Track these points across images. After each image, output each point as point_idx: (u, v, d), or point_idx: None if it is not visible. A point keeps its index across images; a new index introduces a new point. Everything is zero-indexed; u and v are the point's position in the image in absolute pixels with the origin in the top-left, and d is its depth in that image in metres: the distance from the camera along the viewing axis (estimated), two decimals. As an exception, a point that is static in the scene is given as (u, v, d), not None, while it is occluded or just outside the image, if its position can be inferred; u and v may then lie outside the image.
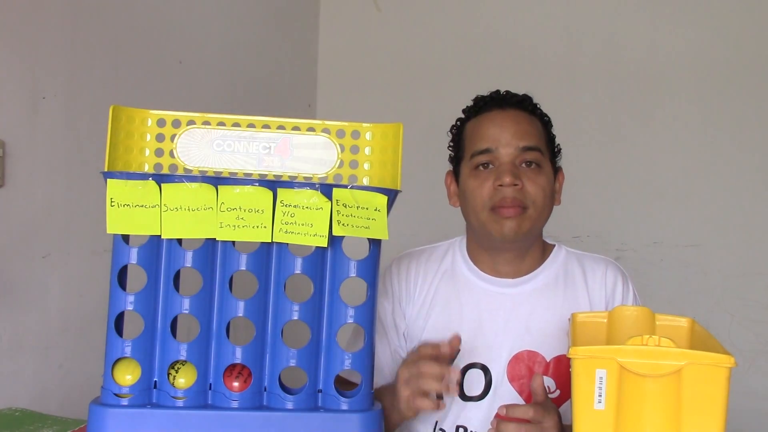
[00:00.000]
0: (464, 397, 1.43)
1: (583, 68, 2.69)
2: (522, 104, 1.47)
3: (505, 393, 1.42)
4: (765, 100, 2.55)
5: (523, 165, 1.42)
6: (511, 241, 1.42)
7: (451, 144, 1.53)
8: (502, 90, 1.51)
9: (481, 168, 1.43)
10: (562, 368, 1.42)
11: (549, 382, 1.42)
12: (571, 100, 2.66)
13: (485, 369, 1.43)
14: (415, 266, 1.53)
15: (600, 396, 0.97)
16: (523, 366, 1.43)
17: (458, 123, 1.53)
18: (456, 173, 1.51)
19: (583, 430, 0.98)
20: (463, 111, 1.52)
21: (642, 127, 2.65)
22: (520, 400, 1.41)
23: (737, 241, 2.56)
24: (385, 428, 1.16)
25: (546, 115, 1.50)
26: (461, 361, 1.45)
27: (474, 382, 1.44)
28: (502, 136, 1.42)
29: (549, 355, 1.43)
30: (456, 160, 1.51)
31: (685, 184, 2.62)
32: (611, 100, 2.67)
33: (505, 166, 1.40)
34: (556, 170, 1.49)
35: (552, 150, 1.49)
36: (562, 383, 1.41)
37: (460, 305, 1.48)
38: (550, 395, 1.39)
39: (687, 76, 2.61)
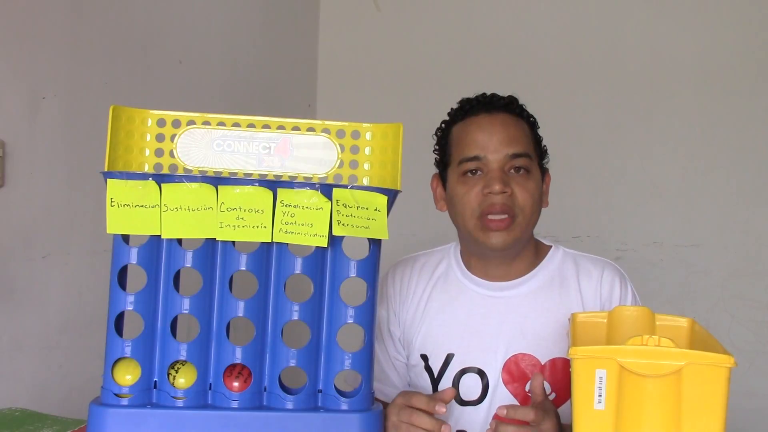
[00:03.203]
0: (462, 402, 1.43)
1: (583, 68, 2.70)
2: (509, 107, 1.45)
3: (502, 396, 1.42)
4: (765, 100, 2.56)
5: (512, 171, 1.40)
6: (500, 251, 1.42)
7: (437, 147, 1.51)
8: (505, 95, 1.48)
9: (469, 174, 1.41)
10: (557, 371, 1.41)
11: (545, 385, 1.41)
12: (572, 100, 2.66)
13: (481, 373, 1.43)
14: (410, 273, 1.53)
15: (600, 396, 0.97)
16: (519, 369, 1.42)
17: (443, 126, 1.50)
18: (443, 177, 1.49)
19: (583, 430, 0.98)
20: (449, 114, 1.50)
21: (642, 126, 2.65)
22: (516, 403, 1.41)
23: (737, 241, 2.56)
24: None
25: (532, 116, 1.48)
26: (456, 366, 1.45)
27: (471, 387, 1.43)
28: (491, 143, 1.40)
29: (544, 358, 1.42)
30: (442, 164, 1.49)
31: (685, 184, 2.62)
32: (611, 100, 2.68)
33: (494, 173, 1.39)
34: (543, 172, 1.47)
35: (539, 152, 1.47)
36: (557, 387, 1.41)
37: (454, 310, 1.48)
38: None
39: (687, 76, 2.62)
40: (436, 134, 1.52)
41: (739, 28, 2.59)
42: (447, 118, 1.51)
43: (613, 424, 0.98)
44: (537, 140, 1.48)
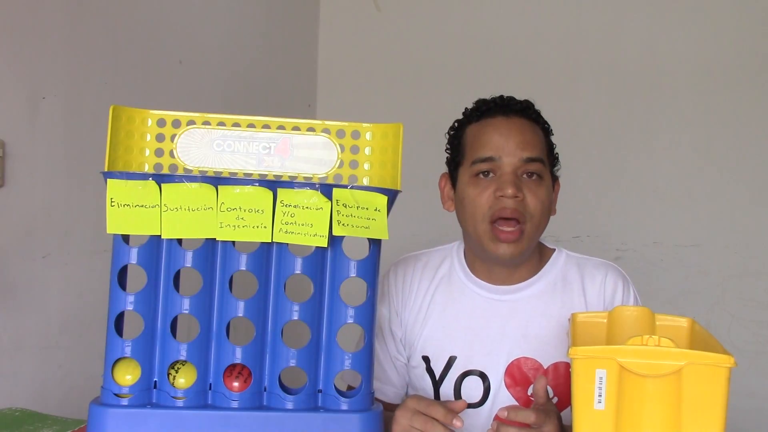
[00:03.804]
0: None
1: (583, 68, 2.70)
2: (526, 112, 1.44)
3: (503, 400, 1.41)
4: (765, 100, 2.55)
5: (525, 176, 1.39)
6: (508, 262, 1.42)
7: (448, 146, 1.50)
8: (506, 94, 1.47)
9: (481, 176, 1.40)
10: (560, 376, 1.41)
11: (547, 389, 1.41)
12: (572, 100, 2.66)
13: (483, 376, 1.43)
14: (412, 272, 1.52)
15: (600, 396, 0.97)
16: (521, 373, 1.42)
17: (457, 125, 1.49)
18: (453, 177, 1.48)
19: (583, 430, 0.98)
20: (464, 114, 1.49)
21: (642, 127, 2.65)
22: (517, 405, 1.41)
23: (737, 241, 2.56)
24: None
25: (547, 123, 1.48)
26: (459, 368, 1.44)
27: (472, 389, 1.43)
28: (507, 145, 1.39)
29: (546, 362, 1.42)
30: (454, 163, 1.47)
31: (685, 184, 2.62)
32: (612, 100, 2.68)
33: (507, 177, 1.38)
34: (554, 179, 1.47)
35: (551, 159, 1.47)
36: (559, 391, 1.40)
37: (456, 312, 1.47)
38: None
39: (687, 77, 2.62)
40: (448, 133, 1.51)
41: (740, 28, 2.59)
42: (460, 117, 1.50)
43: (613, 424, 0.98)
44: (550, 147, 1.47)
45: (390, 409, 1.27)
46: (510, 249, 1.38)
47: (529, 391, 1.41)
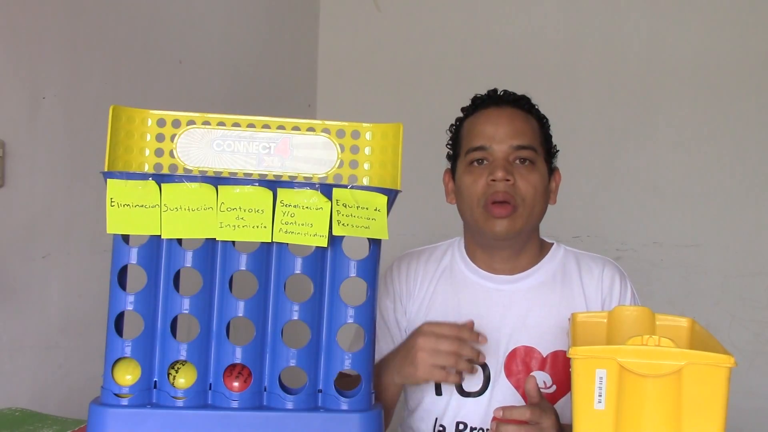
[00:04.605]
0: (463, 393, 1.45)
1: (583, 68, 2.70)
2: (518, 103, 1.49)
3: (503, 388, 1.44)
4: (765, 100, 2.55)
5: (517, 162, 1.44)
6: (504, 239, 1.44)
7: (450, 142, 1.55)
8: (500, 89, 1.52)
9: (475, 164, 1.45)
10: (558, 364, 1.43)
11: (545, 377, 1.43)
12: (572, 100, 2.66)
13: (483, 365, 1.45)
14: (415, 265, 1.56)
15: (600, 396, 0.97)
16: (520, 362, 1.44)
17: (457, 122, 1.55)
18: (453, 171, 1.53)
19: (583, 430, 0.98)
20: (462, 110, 1.54)
21: (642, 126, 2.65)
22: (517, 396, 1.43)
23: (737, 241, 2.56)
24: (379, 392, 1.21)
25: (544, 116, 1.51)
26: None
27: (473, 378, 1.45)
28: (497, 134, 1.44)
29: (545, 350, 1.44)
30: (453, 157, 1.53)
31: (685, 184, 2.62)
32: (611, 99, 2.68)
33: (498, 162, 1.42)
34: (552, 170, 1.50)
35: (548, 150, 1.50)
36: (558, 379, 1.43)
37: (458, 302, 1.50)
38: (546, 391, 1.41)
39: (687, 76, 2.62)
40: (450, 130, 1.56)
41: (740, 27, 2.59)
42: (450, 116, 1.55)
43: (613, 424, 0.98)
44: (546, 138, 1.51)
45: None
46: (504, 225, 1.41)
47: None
